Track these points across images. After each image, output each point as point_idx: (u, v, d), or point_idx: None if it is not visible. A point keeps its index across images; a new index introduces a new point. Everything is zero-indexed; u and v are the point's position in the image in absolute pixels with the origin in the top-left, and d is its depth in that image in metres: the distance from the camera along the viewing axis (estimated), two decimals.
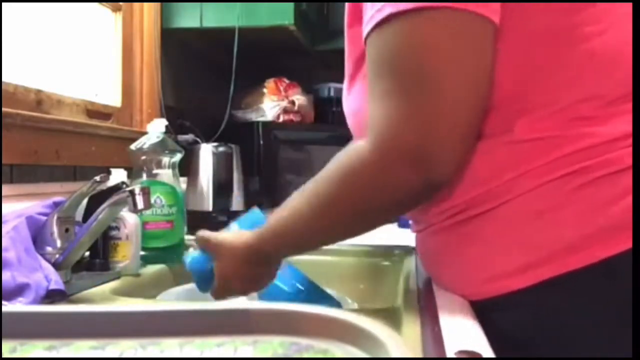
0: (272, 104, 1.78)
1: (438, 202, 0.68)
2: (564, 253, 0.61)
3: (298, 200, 0.70)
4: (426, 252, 0.76)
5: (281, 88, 1.82)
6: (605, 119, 0.62)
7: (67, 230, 0.84)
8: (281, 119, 1.78)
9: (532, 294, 0.62)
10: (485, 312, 0.65)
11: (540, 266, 0.62)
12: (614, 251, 0.59)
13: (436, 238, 0.71)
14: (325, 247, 1.01)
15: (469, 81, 0.58)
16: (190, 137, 1.56)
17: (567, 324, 0.62)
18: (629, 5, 0.64)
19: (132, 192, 0.77)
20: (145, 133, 1.11)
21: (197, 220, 1.41)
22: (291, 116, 1.81)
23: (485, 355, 0.51)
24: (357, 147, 0.63)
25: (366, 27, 0.61)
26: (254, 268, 0.78)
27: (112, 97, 1.44)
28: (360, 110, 0.69)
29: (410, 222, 0.80)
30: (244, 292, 0.81)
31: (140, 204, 0.77)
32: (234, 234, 0.80)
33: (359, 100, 0.71)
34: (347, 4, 0.72)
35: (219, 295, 0.81)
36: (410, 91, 0.58)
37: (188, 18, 1.59)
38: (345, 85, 0.77)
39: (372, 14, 0.60)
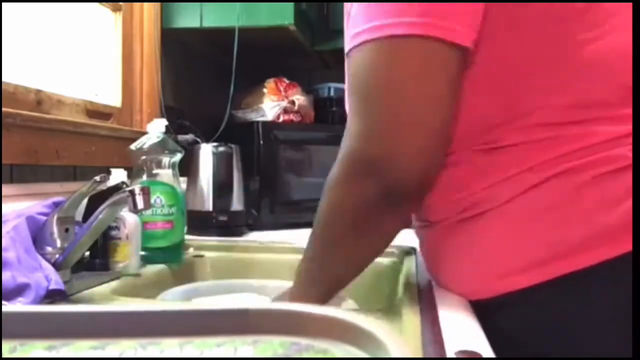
0: (272, 104, 1.77)
1: (447, 198, 0.68)
2: (572, 251, 0.61)
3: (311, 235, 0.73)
4: (432, 248, 0.76)
5: (281, 88, 1.82)
6: (606, 121, 0.62)
7: (67, 230, 0.83)
8: (281, 119, 1.77)
9: (538, 292, 0.63)
10: (488, 311, 0.65)
11: (548, 264, 0.62)
12: (620, 251, 0.59)
13: (444, 234, 0.71)
14: None
15: (426, 101, 0.62)
16: (190, 137, 1.56)
17: (572, 322, 0.62)
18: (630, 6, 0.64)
19: (132, 192, 0.77)
20: (145, 133, 1.11)
21: (197, 220, 1.41)
22: (291, 116, 1.81)
23: (485, 355, 0.51)
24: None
25: (345, 48, 0.67)
26: None
27: (112, 97, 1.44)
28: None
29: (414, 219, 0.79)
30: None
31: (140, 204, 0.77)
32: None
33: None
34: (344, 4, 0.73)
35: None
36: (371, 108, 0.64)
37: (188, 18, 1.59)
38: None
39: (351, 34, 0.64)
